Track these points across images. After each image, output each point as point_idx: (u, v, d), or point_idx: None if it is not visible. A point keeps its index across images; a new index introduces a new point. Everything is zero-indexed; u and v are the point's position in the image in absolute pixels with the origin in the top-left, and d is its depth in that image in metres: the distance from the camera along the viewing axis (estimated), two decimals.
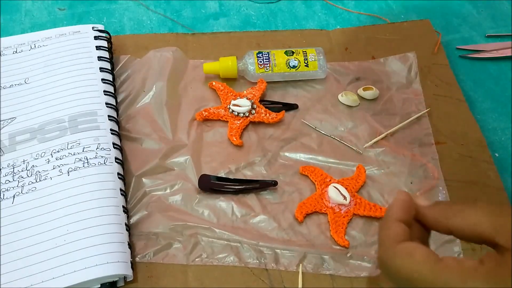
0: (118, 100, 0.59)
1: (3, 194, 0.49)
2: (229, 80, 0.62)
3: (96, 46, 0.61)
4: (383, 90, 0.62)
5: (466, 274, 0.30)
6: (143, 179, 0.54)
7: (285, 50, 0.62)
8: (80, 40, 0.61)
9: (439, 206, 0.34)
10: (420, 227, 0.35)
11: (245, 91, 0.60)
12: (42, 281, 0.44)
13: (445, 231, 0.33)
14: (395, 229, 0.34)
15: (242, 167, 0.55)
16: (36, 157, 0.52)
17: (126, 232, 0.48)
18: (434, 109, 0.60)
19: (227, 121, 0.58)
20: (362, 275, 0.48)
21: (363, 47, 0.66)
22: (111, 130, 0.54)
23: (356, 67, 0.64)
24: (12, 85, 0.58)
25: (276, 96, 0.61)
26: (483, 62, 0.67)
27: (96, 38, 0.62)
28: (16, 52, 0.61)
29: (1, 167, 0.51)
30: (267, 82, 0.61)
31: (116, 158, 0.52)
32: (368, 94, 0.61)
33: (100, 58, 0.60)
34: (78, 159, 0.51)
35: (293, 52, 0.61)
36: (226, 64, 0.61)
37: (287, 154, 0.56)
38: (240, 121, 0.58)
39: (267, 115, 0.58)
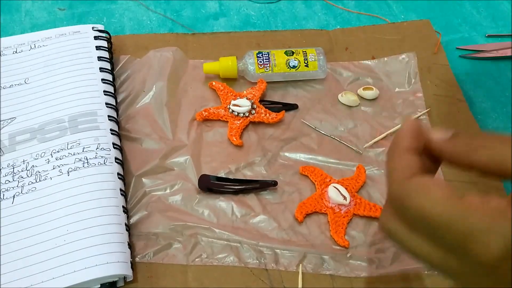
0: (118, 100, 0.59)
1: (3, 194, 0.49)
2: (229, 80, 0.62)
3: (96, 46, 0.61)
4: (383, 90, 0.62)
5: (492, 216, 0.26)
6: (143, 179, 0.54)
7: (285, 50, 0.62)
8: (80, 40, 0.61)
9: (459, 140, 0.31)
10: (427, 158, 0.32)
11: (245, 91, 0.60)
12: (42, 281, 0.44)
13: (465, 167, 0.30)
14: (407, 161, 0.30)
15: (242, 167, 0.55)
16: (36, 157, 0.52)
17: (126, 232, 0.48)
18: (434, 109, 0.60)
19: (227, 121, 0.58)
20: (362, 275, 0.48)
21: (363, 47, 0.66)
22: (111, 130, 0.54)
23: (356, 67, 0.64)
24: (12, 85, 0.58)
25: (276, 96, 0.61)
26: (483, 62, 0.67)
27: (96, 38, 0.62)
28: (16, 52, 0.61)
29: (1, 167, 0.51)
30: (267, 82, 0.61)
31: (116, 158, 0.52)
32: (368, 94, 0.61)
33: (100, 58, 0.60)
34: (78, 159, 0.51)
35: (293, 52, 0.61)
36: (226, 64, 0.61)
37: (287, 154, 0.56)
38: (240, 121, 0.58)
39: (267, 115, 0.58)
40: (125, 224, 0.49)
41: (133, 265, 0.47)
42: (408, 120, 0.32)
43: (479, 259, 0.26)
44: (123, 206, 0.50)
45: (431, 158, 0.32)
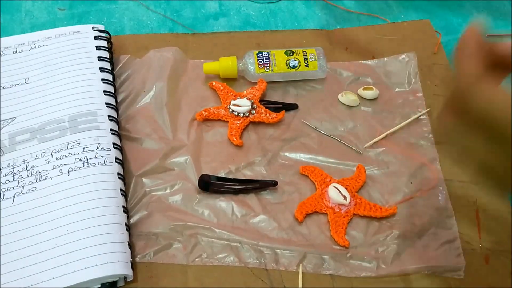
0: (118, 100, 0.59)
1: (3, 194, 0.49)
2: (229, 80, 0.62)
3: (96, 46, 0.61)
4: (383, 90, 0.62)
5: None
6: (143, 179, 0.54)
7: (285, 50, 0.62)
8: (80, 40, 0.61)
9: None
10: (490, 68, 0.34)
11: (245, 91, 0.60)
12: (42, 281, 0.44)
13: None
14: (475, 66, 0.33)
15: (242, 167, 0.55)
16: (36, 157, 0.52)
17: (126, 232, 0.48)
18: (434, 109, 0.60)
19: (227, 121, 0.58)
20: (362, 275, 0.48)
21: (363, 47, 0.66)
22: (111, 130, 0.54)
23: (356, 67, 0.64)
24: (12, 85, 0.58)
25: (276, 96, 0.61)
26: None
27: (96, 38, 0.62)
28: (16, 52, 0.61)
29: (1, 167, 0.51)
30: (267, 82, 0.61)
31: (116, 158, 0.52)
32: (368, 94, 0.61)
33: (100, 58, 0.60)
34: (78, 159, 0.51)
35: (293, 52, 0.61)
36: (226, 64, 0.61)
37: (287, 154, 0.56)
38: (240, 121, 0.58)
39: (267, 115, 0.58)
40: (125, 224, 0.49)
41: (133, 265, 0.47)
42: (472, 27, 0.34)
43: None
44: (123, 206, 0.50)
45: (493, 69, 0.34)
